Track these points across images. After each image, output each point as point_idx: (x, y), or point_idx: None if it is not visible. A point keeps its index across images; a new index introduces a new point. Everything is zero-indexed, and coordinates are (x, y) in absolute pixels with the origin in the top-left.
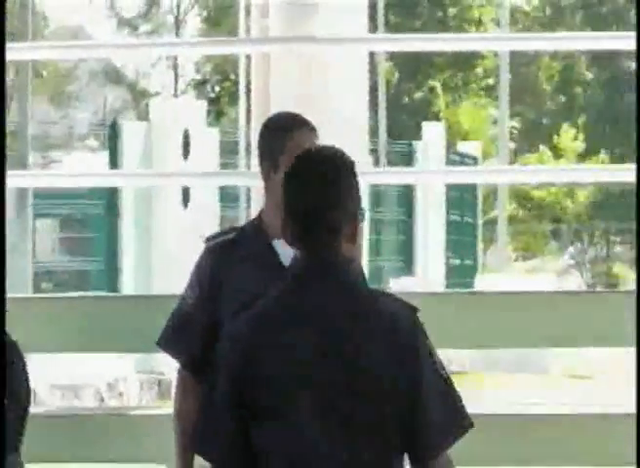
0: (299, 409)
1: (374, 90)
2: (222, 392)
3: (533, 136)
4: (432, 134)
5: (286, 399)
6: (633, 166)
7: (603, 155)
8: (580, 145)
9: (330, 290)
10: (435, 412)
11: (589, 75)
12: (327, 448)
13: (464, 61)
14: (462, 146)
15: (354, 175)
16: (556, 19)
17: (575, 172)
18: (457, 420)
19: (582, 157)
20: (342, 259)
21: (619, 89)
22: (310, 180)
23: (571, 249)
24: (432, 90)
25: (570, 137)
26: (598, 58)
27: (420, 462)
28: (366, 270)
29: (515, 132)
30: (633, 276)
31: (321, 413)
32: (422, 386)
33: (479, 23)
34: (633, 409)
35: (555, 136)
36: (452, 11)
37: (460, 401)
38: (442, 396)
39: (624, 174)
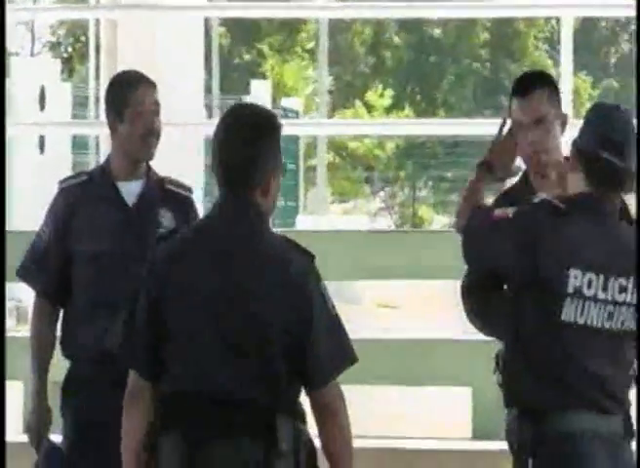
0: (199, 334)
1: (208, 51)
2: (141, 309)
3: (347, 94)
4: (259, 90)
5: (189, 323)
6: (435, 120)
7: (407, 110)
8: (388, 101)
9: (237, 234)
10: (324, 347)
11: (397, 40)
12: (222, 370)
13: (290, 27)
14: (286, 102)
15: (276, 134)
16: None
17: (384, 125)
18: (343, 354)
19: (390, 111)
20: (254, 209)
21: (423, 52)
22: (235, 138)
23: (381, 193)
24: (260, 52)
25: (379, 94)
26: (405, 25)
27: (311, 389)
28: None
29: (333, 89)
30: (436, 217)
31: (218, 339)
32: (313, 324)
33: None
34: (435, 335)
35: (367, 94)
36: None
37: (347, 338)
38: (331, 332)
39: (427, 127)
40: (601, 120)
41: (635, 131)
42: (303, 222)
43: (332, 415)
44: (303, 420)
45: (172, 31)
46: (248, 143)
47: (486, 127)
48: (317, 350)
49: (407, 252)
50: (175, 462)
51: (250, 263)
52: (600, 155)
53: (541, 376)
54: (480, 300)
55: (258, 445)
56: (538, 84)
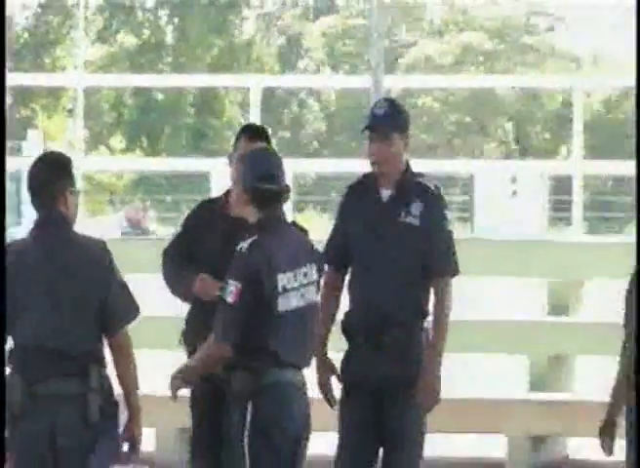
0: (37, 306)
1: None
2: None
3: (96, 140)
4: (33, 137)
5: (30, 300)
6: (159, 159)
7: (138, 152)
8: (124, 146)
9: (53, 233)
10: (118, 302)
11: (131, 101)
12: (52, 329)
13: (54, 92)
14: (51, 146)
15: (64, 165)
16: (156, 61)
17: (122, 162)
18: (130, 308)
19: (125, 153)
20: (60, 215)
21: (149, 111)
22: (36, 170)
23: (120, 212)
24: (33, 110)
25: (119, 141)
26: (137, 91)
27: (110, 335)
28: None
29: (86, 137)
30: (158, 228)
31: (49, 308)
32: (110, 287)
33: (74, 68)
34: None
35: (110, 140)
36: (47, 62)
37: (133, 297)
38: (121, 293)
39: (153, 164)
40: (253, 162)
41: (279, 163)
42: None
43: (124, 354)
44: (104, 365)
45: None
46: (44, 172)
47: (194, 164)
48: (113, 305)
49: (142, 252)
50: (16, 396)
51: (65, 251)
52: (260, 187)
53: (260, 348)
54: (172, 269)
55: (75, 383)
56: (263, 134)
